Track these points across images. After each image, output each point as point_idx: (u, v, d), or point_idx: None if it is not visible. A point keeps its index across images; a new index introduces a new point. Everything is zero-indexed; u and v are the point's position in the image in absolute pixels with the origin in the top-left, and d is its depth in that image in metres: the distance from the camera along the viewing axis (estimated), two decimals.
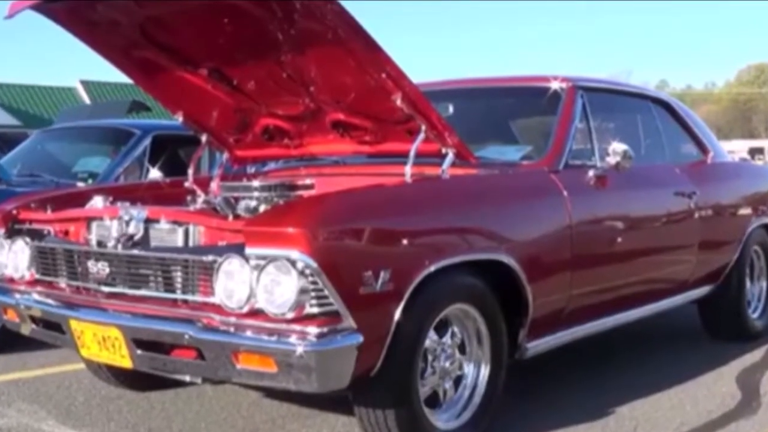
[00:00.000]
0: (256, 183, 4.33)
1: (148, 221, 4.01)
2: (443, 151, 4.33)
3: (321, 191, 4.23)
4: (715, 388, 5.22)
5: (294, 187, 4.32)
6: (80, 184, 6.81)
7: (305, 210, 3.65)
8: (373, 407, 3.83)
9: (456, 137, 4.32)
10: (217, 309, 3.63)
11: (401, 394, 3.79)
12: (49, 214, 4.55)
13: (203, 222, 3.93)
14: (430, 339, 3.94)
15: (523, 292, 4.27)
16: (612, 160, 4.92)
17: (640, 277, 5.34)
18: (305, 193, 4.28)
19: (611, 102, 5.76)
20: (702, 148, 6.49)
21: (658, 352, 6.15)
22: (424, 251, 3.81)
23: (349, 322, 3.47)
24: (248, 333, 3.54)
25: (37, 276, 4.46)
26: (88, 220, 4.28)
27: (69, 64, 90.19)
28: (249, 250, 3.51)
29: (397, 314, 3.64)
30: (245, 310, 3.54)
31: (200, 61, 4.59)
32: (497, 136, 5.67)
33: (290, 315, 3.43)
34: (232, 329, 3.59)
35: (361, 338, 3.49)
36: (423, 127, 4.26)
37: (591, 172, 4.92)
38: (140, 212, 4.04)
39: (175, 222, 3.97)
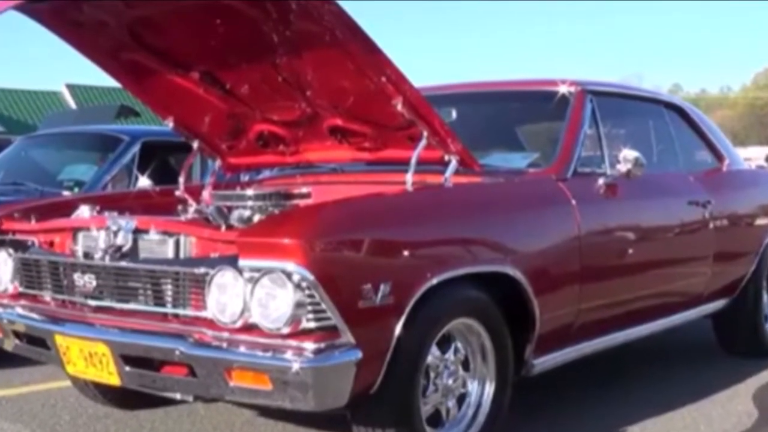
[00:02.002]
0: (250, 192, 4.33)
1: (137, 232, 4.01)
2: (446, 158, 4.33)
3: (318, 200, 4.23)
4: (730, 406, 5.22)
5: (290, 196, 4.31)
6: (66, 193, 6.82)
7: (302, 220, 3.66)
8: (372, 426, 3.82)
9: (459, 144, 4.32)
10: (210, 324, 3.63)
11: (402, 413, 3.78)
12: (33, 224, 4.54)
13: (195, 232, 3.93)
14: (433, 355, 3.94)
15: (530, 306, 4.27)
16: (623, 167, 4.92)
17: (652, 291, 5.34)
18: (301, 202, 4.28)
19: (622, 107, 5.76)
20: (717, 155, 6.50)
21: (670, 369, 6.15)
22: (426, 263, 3.81)
23: (347, 337, 3.46)
24: (242, 349, 3.54)
25: (21, 289, 4.46)
26: (74, 231, 4.27)
27: (54, 67, 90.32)
28: (243, 262, 3.51)
29: (398, 329, 3.64)
30: (239, 324, 3.54)
31: (192, 64, 4.59)
32: (502, 142, 5.68)
33: (286, 330, 3.43)
34: (225, 345, 3.58)
35: (360, 354, 3.49)
36: (425, 133, 4.26)
37: (601, 180, 4.92)
38: (129, 222, 4.04)
39: (165, 232, 3.96)
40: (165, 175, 7.26)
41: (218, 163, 5.36)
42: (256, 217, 4.14)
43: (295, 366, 3.38)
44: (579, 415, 5.01)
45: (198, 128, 5.11)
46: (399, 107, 4.17)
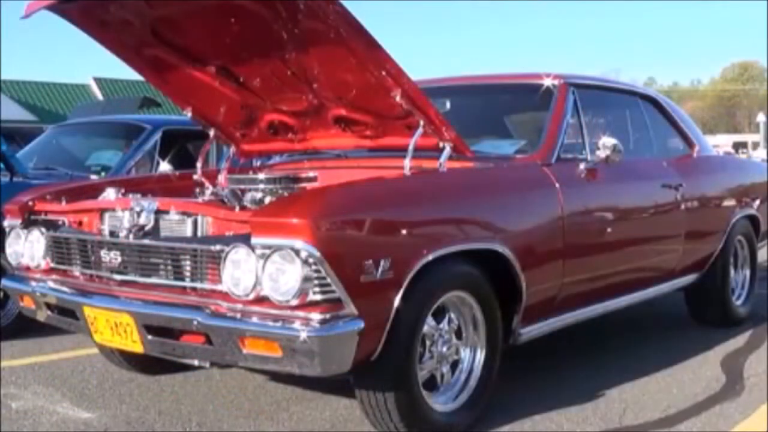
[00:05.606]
0: (261, 176, 4.33)
1: (159, 212, 4.01)
2: (441, 145, 4.33)
3: (324, 184, 4.23)
4: (700, 372, 5.22)
5: (298, 180, 4.31)
6: (93, 177, 6.81)
7: (309, 201, 3.65)
8: (373, 390, 3.83)
9: (453, 132, 4.31)
10: (225, 296, 3.63)
11: (400, 378, 3.79)
12: (63, 205, 4.54)
13: (211, 213, 3.93)
14: (428, 325, 3.94)
15: (517, 281, 4.27)
16: (602, 153, 4.91)
17: (628, 266, 5.34)
18: (309, 186, 4.28)
19: (601, 98, 5.74)
20: (688, 142, 6.48)
21: (646, 339, 6.14)
22: (423, 241, 3.80)
23: (350, 308, 3.46)
24: (254, 319, 3.54)
25: (52, 264, 4.46)
26: (101, 212, 4.28)
27: (83, 61, 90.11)
28: (255, 240, 3.51)
29: (397, 301, 3.64)
30: (251, 297, 3.54)
31: (208, 59, 4.58)
32: (492, 130, 5.66)
33: (294, 302, 3.43)
34: (238, 315, 3.59)
35: (362, 324, 3.49)
36: (421, 123, 4.25)
37: (582, 165, 4.91)
38: (151, 203, 4.04)
39: (184, 213, 3.96)
40: (184, 161, 7.26)
41: (233, 149, 5.36)
42: (267, 199, 4.14)
43: (303, 335, 3.38)
44: (563, 379, 5.02)
45: (214, 118, 5.10)
46: (398, 99, 4.16)
